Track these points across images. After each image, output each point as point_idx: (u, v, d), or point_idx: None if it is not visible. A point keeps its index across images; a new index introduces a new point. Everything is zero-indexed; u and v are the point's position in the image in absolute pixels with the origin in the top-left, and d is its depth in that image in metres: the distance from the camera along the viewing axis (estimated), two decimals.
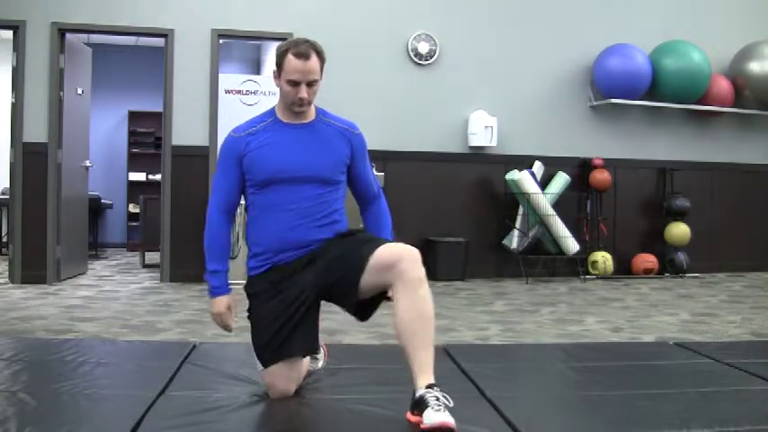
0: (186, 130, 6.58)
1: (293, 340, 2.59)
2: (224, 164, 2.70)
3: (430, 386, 2.31)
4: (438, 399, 2.26)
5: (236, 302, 2.76)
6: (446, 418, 2.20)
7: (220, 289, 2.71)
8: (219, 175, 2.72)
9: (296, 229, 2.62)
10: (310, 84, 2.61)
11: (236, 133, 2.69)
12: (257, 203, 2.68)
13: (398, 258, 2.42)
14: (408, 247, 2.48)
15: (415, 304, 2.39)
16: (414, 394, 2.33)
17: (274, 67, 2.66)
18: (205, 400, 2.57)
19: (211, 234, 2.72)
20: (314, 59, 2.60)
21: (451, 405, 2.26)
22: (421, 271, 2.43)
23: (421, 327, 2.39)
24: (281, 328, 2.58)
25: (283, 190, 2.63)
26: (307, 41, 2.63)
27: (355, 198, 2.87)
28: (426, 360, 2.37)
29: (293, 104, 2.65)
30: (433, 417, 2.20)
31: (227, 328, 2.77)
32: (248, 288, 2.72)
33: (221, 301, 2.72)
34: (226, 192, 2.70)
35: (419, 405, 2.28)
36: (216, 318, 2.75)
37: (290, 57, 2.58)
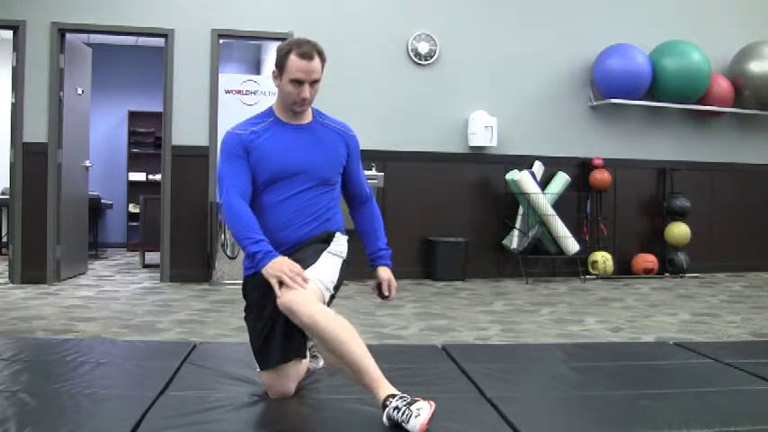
0: (186, 130, 6.58)
1: (290, 342, 2.59)
2: (232, 157, 2.61)
3: (385, 401, 2.29)
4: (398, 408, 2.24)
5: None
6: (420, 421, 2.20)
7: (271, 252, 2.49)
8: (228, 168, 2.62)
9: (289, 228, 2.63)
10: (312, 84, 2.62)
11: (238, 131, 2.67)
12: (255, 203, 2.66)
13: (286, 311, 2.41)
14: (290, 293, 2.39)
15: (325, 345, 2.39)
16: None
17: (274, 68, 2.65)
18: (205, 400, 2.57)
19: (236, 215, 2.55)
20: (317, 60, 2.60)
21: (409, 398, 2.26)
22: (304, 315, 2.36)
23: (342, 360, 2.37)
24: (276, 331, 2.57)
25: (283, 189, 2.63)
26: (308, 42, 2.62)
27: (346, 199, 2.87)
28: (367, 378, 2.35)
29: (295, 104, 2.64)
30: (412, 426, 2.21)
31: (299, 274, 2.44)
32: (243, 289, 2.72)
33: (277, 259, 2.47)
34: (238, 181, 2.60)
35: (393, 421, 2.27)
36: (282, 268, 2.43)
37: (293, 57, 2.58)
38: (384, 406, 2.28)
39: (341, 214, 2.78)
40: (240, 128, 2.68)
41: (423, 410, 2.22)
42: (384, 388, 2.32)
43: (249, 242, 2.51)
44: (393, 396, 2.29)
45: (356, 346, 2.37)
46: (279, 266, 2.45)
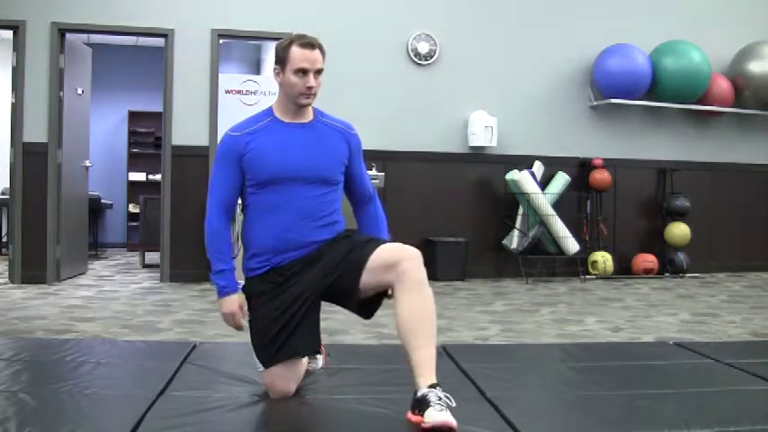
0: (186, 130, 6.58)
1: (294, 341, 2.58)
2: (223, 163, 2.65)
3: (432, 386, 2.31)
4: (440, 398, 2.26)
5: (245, 300, 2.71)
6: (448, 418, 2.20)
7: (229, 288, 2.66)
8: (217, 174, 2.67)
9: (295, 230, 2.61)
10: (316, 74, 2.62)
11: (233, 132, 2.66)
12: (256, 204, 2.66)
13: (399, 259, 2.44)
14: (409, 247, 2.49)
15: (416, 304, 2.41)
16: (415, 394, 2.33)
17: (275, 65, 2.65)
18: (205, 400, 2.57)
19: (213, 235, 2.66)
20: (318, 50, 2.63)
21: (454, 405, 2.26)
22: (421, 271, 2.44)
23: (422, 326, 2.40)
24: (281, 329, 2.57)
25: (284, 190, 2.62)
26: (308, 35, 2.64)
27: (350, 199, 2.86)
28: (428, 360, 2.37)
29: (301, 96, 2.62)
30: (434, 416, 2.20)
31: (238, 327, 2.72)
32: (247, 289, 2.70)
33: (232, 300, 2.67)
34: (225, 192, 2.65)
35: (420, 404, 2.28)
36: (227, 317, 2.69)
37: (295, 48, 2.59)
38: (429, 386, 2.29)
39: (343, 215, 2.78)
40: (236, 129, 2.68)
41: (451, 417, 2.22)
42: (432, 376, 2.35)
43: (214, 270, 2.66)
44: (440, 387, 2.31)
45: (433, 325, 2.44)
46: (229, 305, 2.66)
